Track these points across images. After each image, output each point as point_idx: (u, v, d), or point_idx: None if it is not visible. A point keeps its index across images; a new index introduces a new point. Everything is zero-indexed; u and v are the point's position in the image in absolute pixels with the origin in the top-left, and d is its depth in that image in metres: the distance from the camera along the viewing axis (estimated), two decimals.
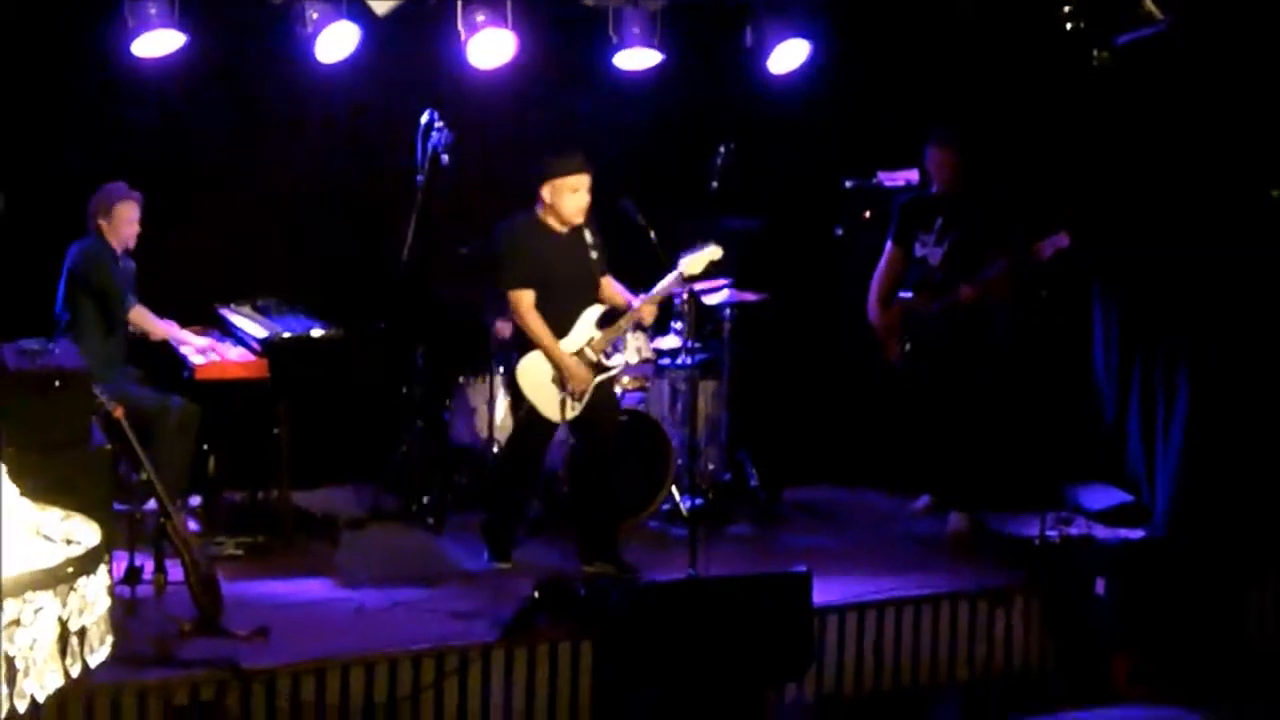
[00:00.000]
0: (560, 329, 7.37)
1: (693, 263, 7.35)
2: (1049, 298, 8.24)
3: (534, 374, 7.38)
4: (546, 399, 7.37)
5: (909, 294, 8.54)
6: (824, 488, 9.27)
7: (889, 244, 8.64)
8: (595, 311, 7.44)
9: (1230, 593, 7.62)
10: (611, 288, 7.56)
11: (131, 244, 8.01)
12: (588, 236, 7.40)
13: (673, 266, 7.37)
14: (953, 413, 8.45)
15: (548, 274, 7.33)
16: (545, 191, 7.29)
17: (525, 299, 7.33)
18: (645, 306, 7.44)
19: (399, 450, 8.58)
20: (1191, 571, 7.54)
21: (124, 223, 7.92)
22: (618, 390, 8.33)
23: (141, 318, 7.99)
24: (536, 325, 7.32)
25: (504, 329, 8.01)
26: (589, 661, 6.64)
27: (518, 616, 6.64)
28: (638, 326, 7.83)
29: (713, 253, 7.39)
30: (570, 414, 7.38)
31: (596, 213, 7.45)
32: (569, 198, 7.26)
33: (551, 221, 7.34)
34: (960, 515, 8.45)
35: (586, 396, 7.38)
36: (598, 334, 7.42)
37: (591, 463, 7.58)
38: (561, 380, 7.35)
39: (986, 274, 8.25)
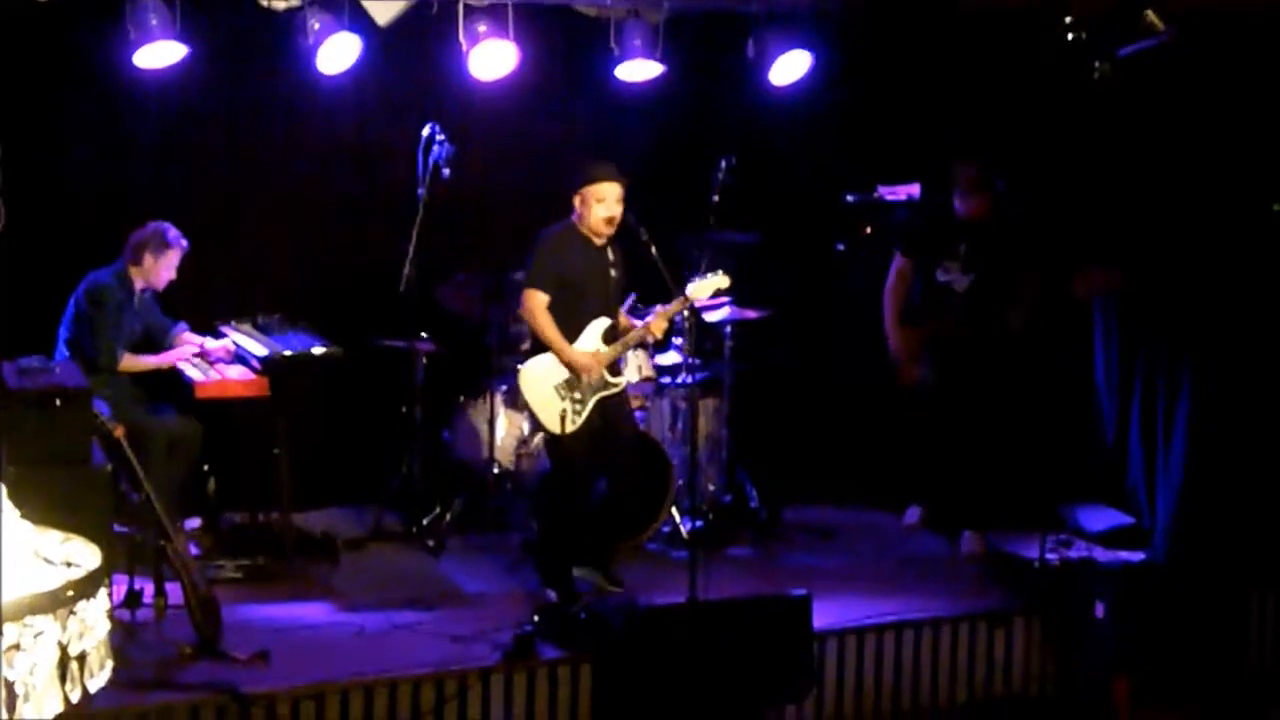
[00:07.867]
0: (570, 336, 7.26)
1: (700, 288, 7.32)
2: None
3: (535, 380, 7.29)
4: (546, 408, 7.25)
5: (927, 320, 8.53)
6: (825, 508, 9.21)
7: (899, 257, 8.60)
8: (603, 324, 7.34)
9: (1230, 615, 7.59)
10: (621, 314, 7.53)
11: (161, 288, 8.01)
12: (610, 254, 7.34)
13: (680, 290, 7.32)
14: (967, 435, 8.43)
15: (574, 281, 7.25)
16: (575, 201, 7.23)
17: (539, 299, 7.23)
18: (655, 323, 7.35)
19: (400, 470, 8.54)
20: (1191, 594, 7.50)
21: (164, 268, 7.94)
22: None
23: (131, 365, 7.95)
24: (546, 324, 7.22)
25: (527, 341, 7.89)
26: (589, 685, 6.60)
27: (517, 640, 6.61)
28: (643, 345, 7.76)
29: (720, 281, 7.36)
30: (570, 427, 7.21)
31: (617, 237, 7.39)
32: (596, 207, 7.18)
33: (585, 231, 7.27)
34: (974, 536, 8.44)
35: (587, 410, 7.26)
36: (604, 348, 7.34)
37: (584, 481, 7.39)
38: (564, 389, 7.24)
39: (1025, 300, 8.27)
